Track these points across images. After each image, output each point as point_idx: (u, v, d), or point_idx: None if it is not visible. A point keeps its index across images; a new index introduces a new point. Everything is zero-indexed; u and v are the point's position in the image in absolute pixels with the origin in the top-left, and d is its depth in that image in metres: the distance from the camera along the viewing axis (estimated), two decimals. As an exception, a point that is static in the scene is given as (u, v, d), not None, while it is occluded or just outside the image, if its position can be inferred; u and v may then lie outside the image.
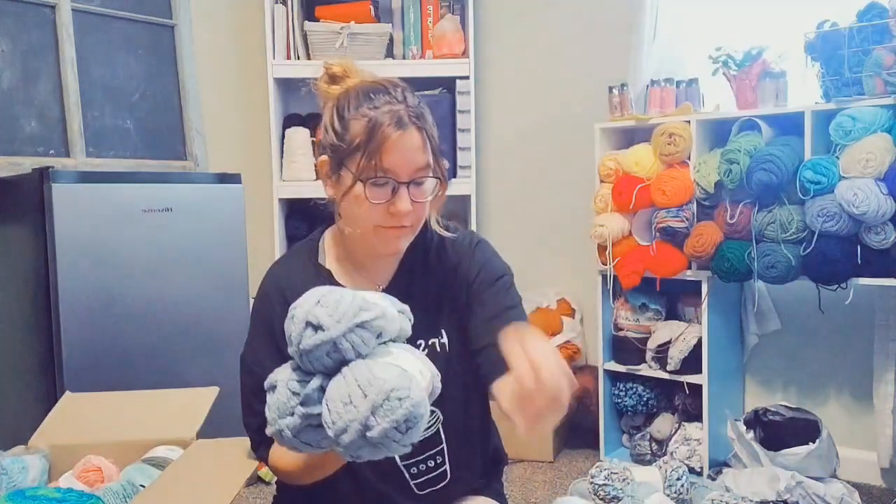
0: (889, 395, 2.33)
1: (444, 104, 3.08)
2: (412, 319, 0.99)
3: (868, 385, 2.41)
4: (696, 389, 2.56)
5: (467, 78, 3.10)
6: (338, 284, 1.15)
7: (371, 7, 3.13)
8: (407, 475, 1.18)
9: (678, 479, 1.85)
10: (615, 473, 1.79)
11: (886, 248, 2.11)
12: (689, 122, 2.47)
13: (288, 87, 3.25)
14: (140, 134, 3.00)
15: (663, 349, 2.59)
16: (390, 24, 3.15)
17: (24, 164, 2.52)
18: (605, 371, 2.76)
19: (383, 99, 1.06)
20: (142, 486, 1.36)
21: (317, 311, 0.90)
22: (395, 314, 0.96)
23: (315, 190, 3.08)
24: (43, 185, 2.18)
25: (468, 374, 1.17)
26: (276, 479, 1.24)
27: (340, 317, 0.89)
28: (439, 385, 0.96)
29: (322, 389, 0.90)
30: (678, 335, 2.57)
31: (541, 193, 3.21)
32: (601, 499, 1.75)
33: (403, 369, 0.89)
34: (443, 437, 1.19)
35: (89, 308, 2.22)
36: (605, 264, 2.65)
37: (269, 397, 0.94)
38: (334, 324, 0.89)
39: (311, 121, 3.20)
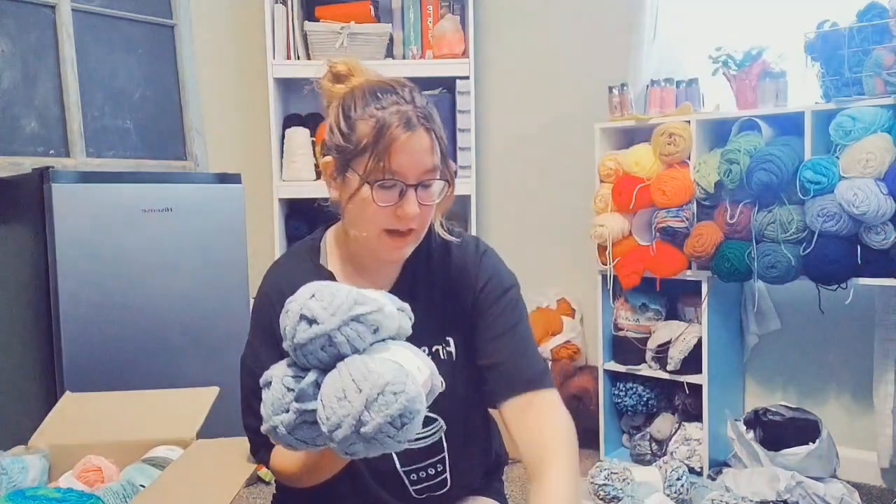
0: (889, 395, 2.33)
1: (444, 104, 3.08)
2: (412, 318, 0.98)
3: (868, 385, 2.41)
4: (696, 389, 2.56)
5: (467, 78, 3.10)
6: None
7: (371, 7, 3.13)
8: (406, 481, 1.18)
9: (678, 479, 1.85)
10: (615, 473, 1.79)
11: (886, 248, 2.11)
12: (689, 122, 2.46)
13: (288, 87, 3.25)
14: (140, 134, 3.00)
15: (663, 349, 2.59)
16: (390, 24, 3.15)
17: (24, 164, 2.52)
18: (605, 371, 2.76)
19: (391, 99, 1.04)
20: (142, 486, 1.36)
21: (311, 304, 0.88)
22: (394, 311, 0.95)
23: (315, 190, 3.08)
24: (43, 185, 2.18)
25: (472, 384, 1.16)
26: (275, 479, 1.23)
27: (335, 310, 0.88)
28: (439, 383, 0.95)
29: (317, 385, 0.89)
30: (678, 335, 2.57)
31: (541, 193, 3.21)
32: (601, 499, 1.75)
33: (400, 364, 0.88)
34: (445, 445, 1.18)
35: (89, 308, 2.22)
36: (605, 264, 2.65)
37: (264, 394, 0.93)
38: (329, 317, 0.87)
39: (311, 121, 3.20)
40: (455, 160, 3.13)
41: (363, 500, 1.17)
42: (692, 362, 2.53)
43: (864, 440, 2.46)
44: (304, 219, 3.19)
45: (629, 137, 2.73)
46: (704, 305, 2.49)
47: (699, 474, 2.53)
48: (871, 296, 2.34)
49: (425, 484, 1.18)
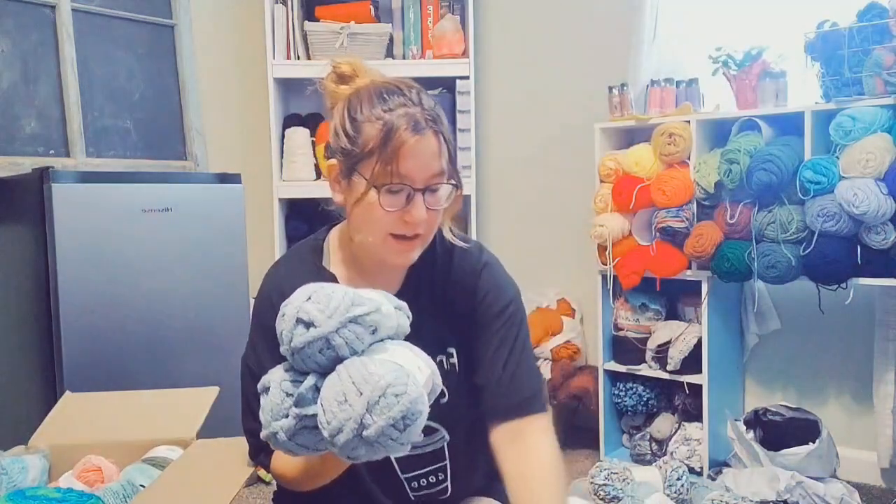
0: (889, 395, 2.33)
1: (444, 104, 3.07)
2: (410, 316, 0.97)
3: (868, 385, 2.41)
4: (696, 389, 2.56)
5: (467, 78, 3.10)
6: None
7: (371, 7, 3.13)
8: (408, 488, 1.17)
9: (678, 479, 1.85)
10: (615, 473, 1.79)
11: (886, 248, 2.11)
12: (689, 122, 2.46)
13: (288, 87, 3.25)
14: (140, 134, 3.00)
15: (663, 349, 2.59)
16: (390, 24, 3.15)
17: (24, 164, 2.52)
18: (605, 371, 2.76)
19: (398, 100, 1.01)
20: (142, 486, 1.36)
21: (307, 306, 0.87)
22: (392, 310, 0.93)
23: (315, 190, 3.08)
24: (43, 185, 2.18)
25: (475, 395, 1.15)
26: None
27: (332, 312, 0.86)
28: (440, 382, 0.94)
29: (316, 389, 0.87)
30: (678, 335, 2.57)
31: (541, 193, 3.21)
32: (601, 499, 1.75)
33: (400, 365, 0.87)
34: (447, 455, 1.17)
35: (89, 308, 2.22)
36: (605, 264, 2.65)
37: (263, 399, 0.91)
38: (326, 319, 0.86)
39: (311, 121, 3.20)
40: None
41: (364, 503, 1.16)
42: (692, 362, 2.53)
43: (864, 440, 2.46)
44: (304, 219, 3.18)
45: (629, 137, 2.73)
46: (704, 305, 2.49)
47: (699, 474, 2.53)
48: (871, 296, 2.34)
49: (426, 491, 1.18)
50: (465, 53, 3.11)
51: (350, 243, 1.12)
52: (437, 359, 1.11)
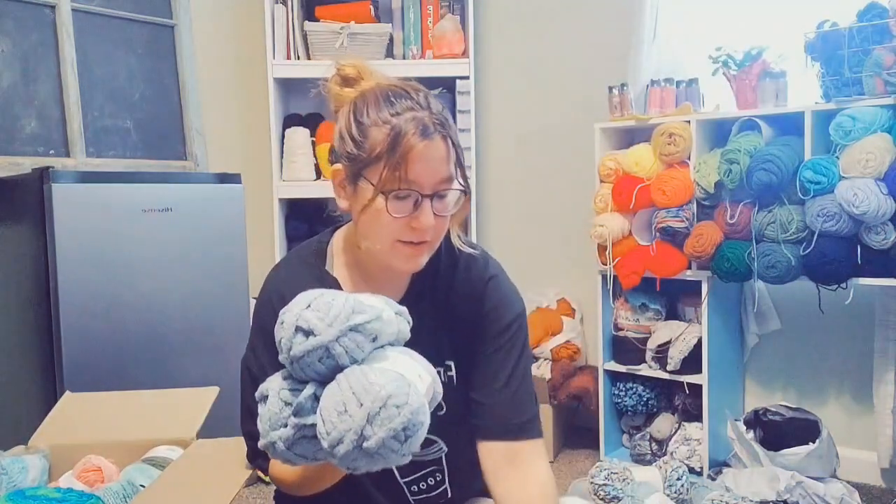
0: (889, 395, 2.33)
1: (443, 104, 3.07)
2: (411, 322, 0.96)
3: (868, 385, 2.41)
4: (696, 389, 2.56)
5: (467, 78, 3.10)
6: None
7: (371, 7, 3.13)
8: (407, 492, 1.17)
9: (678, 479, 1.85)
10: (615, 473, 1.79)
11: (886, 248, 2.11)
12: (689, 122, 2.46)
13: (288, 87, 3.25)
14: (140, 134, 3.00)
15: (663, 349, 2.59)
16: (390, 24, 3.15)
17: (24, 164, 2.52)
18: (605, 371, 2.76)
19: (405, 104, 0.99)
20: (142, 486, 1.36)
21: (307, 314, 0.85)
22: (392, 316, 0.92)
23: (315, 190, 3.08)
24: (43, 185, 2.18)
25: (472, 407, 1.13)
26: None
27: (332, 320, 0.84)
28: (440, 389, 0.93)
29: (316, 398, 0.86)
30: (678, 335, 2.57)
31: (541, 193, 3.21)
32: (601, 499, 1.75)
33: (401, 374, 0.85)
34: (445, 464, 1.17)
35: (89, 308, 2.22)
36: (605, 264, 2.65)
37: (261, 408, 0.89)
38: (326, 328, 0.84)
39: (311, 121, 3.20)
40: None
41: None
42: (692, 362, 2.53)
43: (864, 440, 2.46)
44: (304, 219, 3.19)
45: (629, 137, 2.73)
46: (704, 305, 2.49)
47: (699, 474, 2.53)
48: (871, 296, 2.34)
49: (425, 495, 1.18)
50: (465, 53, 3.11)
51: (354, 247, 1.11)
52: (436, 370, 1.09)
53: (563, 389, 2.79)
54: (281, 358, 0.88)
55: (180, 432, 1.55)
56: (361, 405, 0.81)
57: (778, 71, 2.38)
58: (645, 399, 2.68)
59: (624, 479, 1.78)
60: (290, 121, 3.21)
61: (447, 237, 1.11)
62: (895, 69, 2.09)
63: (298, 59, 3.09)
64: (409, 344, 0.95)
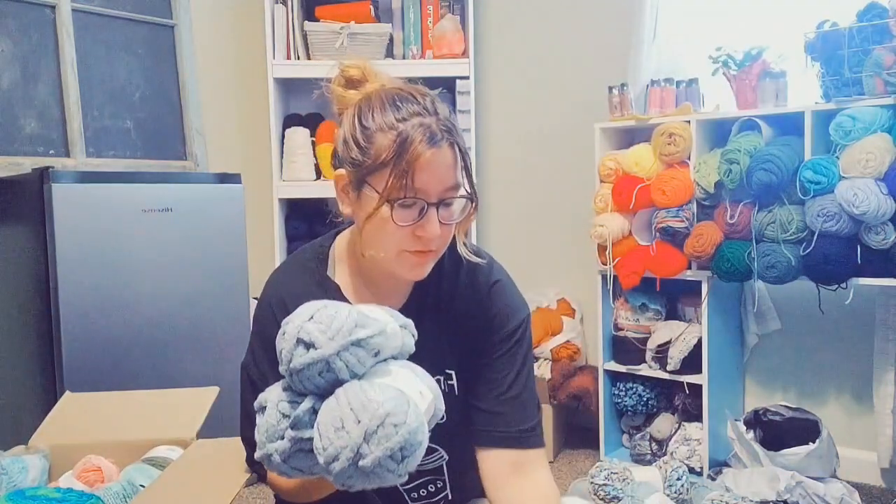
0: (889, 395, 2.33)
1: (450, 108, 3.08)
2: (416, 335, 0.94)
3: (868, 385, 2.41)
4: (696, 389, 2.56)
5: (467, 78, 3.10)
6: (345, 300, 1.08)
7: (371, 7, 3.13)
8: (407, 498, 1.17)
9: (678, 479, 1.85)
10: (615, 473, 1.79)
11: (886, 248, 2.11)
12: (689, 122, 2.46)
13: (288, 87, 3.25)
14: (140, 134, 3.00)
15: (663, 349, 2.59)
16: (390, 24, 3.15)
17: (24, 164, 2.52)
18: (605, 371, 2.76)
19: (412, 109, 0.97)
20: (142, 486, 1.36)
21: (309, 326, 0.84)
22: (397, 329, 0.90)
23: (315, 190, 3.08)
24: (43, 185, 2.18)
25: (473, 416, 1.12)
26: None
27: (334, 334, 0.83)
28: (442, 406, 0.91)
29: (314, 412, 0.84)
30: (678, 335, 2.57)
31: (541, 193, 3.21)
32: (601, 499, 1.75)
33: (401, 391, 0.84)
34: (446, 472, 1.16)
35: (89, 308, 2.22)
36: (605, 264, 2.65)
37: (259, 419, 0.89)
38: (327, 341, 0.83)
39: (311, 121, 3.20)
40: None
41: None
42: (692, 362, 2.53)
43: (864, 440, 2.46)
44: (304, 219, 3.19)
45: (629, 137, 2.73)
46: (704, 305, 2.49)
47: (699, 474, 2.53)
48: (871, 296, 2.34)
49: (425, 502, 1.17)
50: (465, 53, 3.11)
51: (356, 253, 1.09)
52: (436, 378, 1.07)
53: (563, 389, 2.79)
54: (281, 369, 0.87)
55: (180, 432, 1.55)
56: (359, 422, 0.80)
57: (778, 71, 2.38)
58: (645, 399, 2.68)
59: (624, 479, 1.78)
60: (290, 121, 3.21)
61: (452, 243, 1.08)
62: (895, 69, 2.09)
63: (298, 59, 3.09)
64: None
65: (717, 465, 2.55)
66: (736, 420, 2.43)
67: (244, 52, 3.33)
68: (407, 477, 0.83)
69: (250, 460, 1.15)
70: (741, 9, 2.68)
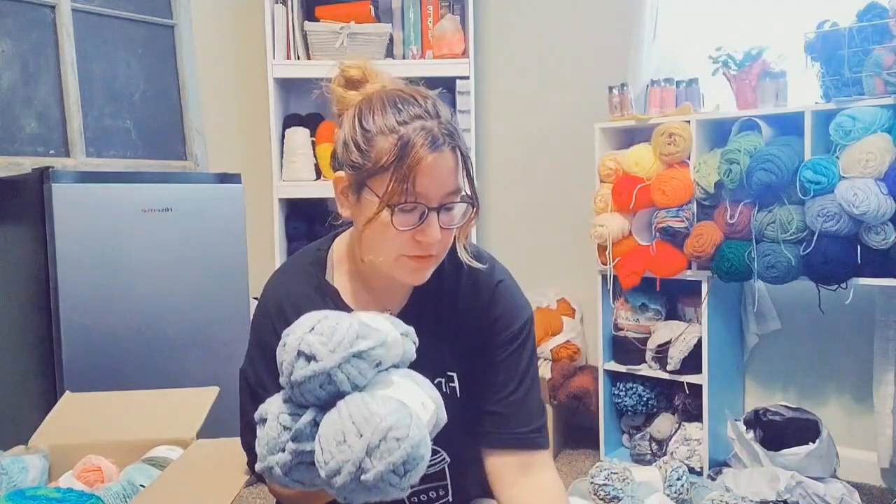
0: (889, 395, 2.33)
1: (451, 110, 3.08)
2: (417, 342, 0.93)
3: (868, 385, 2.41)
4: (696, 389, 2.56)
5: (467, 78, 3.10)
6: (344, 304, 1.08)
7: (371, 7, 3.13)
8: (407, 502, 1.16)
9: (678, 479, 1.85)
10: (615, 473, 1.79)
11: (886, 248, 2.11)
12: (689, 122, 2.47)
13: (288, 87, 3.25)
14: (140, 134, 3.00)
15: (663, 349, 2.59)
16: (390, 24, 3.15)
17: (24, 164, 2.52)
18: (605, 371, 2.76)
19: (413, 111, 0.95)
20: (142, 486, 1.36)
21: (310, 338, 0.83)
22: (398, 337, 0.89)
23: (315, 190, 3.08)
24: (43, 185, 2.18)
25: (476, 419, 1.11)
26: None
27: (335, 346, 0.82)
28: (444, 416, 0.91)
29: (315, 424, 0.84)
30: (678, 335, 2.57)
31: (541, 193, 3.21)
32: (601, 499, 1.75)
33: (403, 403, 0.83)
34: (448, 475, 1.15)
35: (89, 308, 2.22)
36: (605, 264, 2.65)
37: (259, 431, 0.88)
38: (328, 354, 0.82)
39: (311, 121, 3.20)
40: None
41: None
42: (692, 362, 2.53)
43: (864, 440, 2.46)
44: (304, 219, 3.18)
45: (629, 137, 2.73)
46: (704, 305, 2.49)
47: (699, 474, 2.53)
48: (871, 296, 2.34)
49: None
50: (465, 53, 3.11)
51: (355, 256, 1.08)
52: (437, 381, 1.08)
53: (563, 389, 2.79)
54: (281, 381, 0.86)
55: (180, 432, 1.55)
56: (361, 436, 0.79)
57: (778, 71, 2.38)
58: (645, 399, 2.68)
59: (624, 479, 1.78)
60: (290, 121, 3.21)
61: (452, 245, 1.07)
62: (895, 69, 2.09)
63: (298, 59, 3.09)
64: None
65: (717, 465, 2.55)
66: (736, 420, 2.43)
67: (244, 52, 3.33)
68: (410, 490, 0.82)
69: (252, 465, 1.14)
70: (741, 9, 2.68)
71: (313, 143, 3.15)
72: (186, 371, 2.37)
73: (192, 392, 1.72)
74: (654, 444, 2.67)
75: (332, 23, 3.06)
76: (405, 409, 0.82)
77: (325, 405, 0.84)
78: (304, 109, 3.26)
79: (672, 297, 2.73)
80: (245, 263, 2.57)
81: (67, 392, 1.75)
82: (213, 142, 3.23)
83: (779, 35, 2.46)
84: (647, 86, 2.68)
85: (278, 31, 3.07)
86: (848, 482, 2.29)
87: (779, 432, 2.34)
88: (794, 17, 2.48)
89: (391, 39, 3.15)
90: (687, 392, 2.60)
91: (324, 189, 3.03)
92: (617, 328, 2.73)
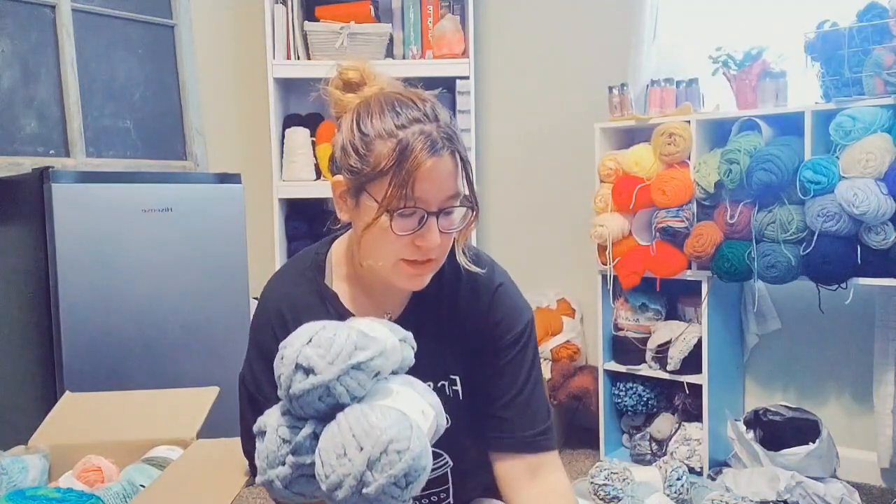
0: (889, 395, 2.33)
1: (443, 104, 3.07)
2: (415, 347, 0.93)
3: (868, 385, 2.41)
4: (696, 389, 2.56)
5: (467, 78, 3.10)
6: (344, 309, 1.07)
7: (371, 7, 3.13)
8: None
9: (678, 479, 1.85)
10: (615, 473, 1.79)
11: (886, 248, 2.11)
12: (689, 122, 2.46)
13: (288, 87, 3.25)
14: (140, 134, 3.00)
15: (663, 349, 2.59)
16: (390, 24, 3.15)
17: (24, 164, 2.52)
18: (605, 371, 2.76)
19: (412, 115, 0.94)
20: (142, 486, 1.36)
21: (308, 351, 0.82)
22: (396, 344, 0.89)
23: (315, 190, 3.08)
24: (43, 185, 2.18)
25: (478, 422, 1.11)
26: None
27: (334, 358, 0.82)
28: (444, 422, 0.90)
29: (315, 436, 0.83)
30: (678, 335, 2.57)
31: (541, 193, 3.21)
32: (601, 499, 1.75)
33: (403, 414, 0.82)
34: (450, 479, 1.15)
35: (89, 308, 2.22)
36: (605, 264, 2.65)
37: (259, 444, 0.87)
38: (327, 366, 0.81)
39: (311, 121, 3.21)
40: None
41: None
42: (692, 362, 2.53)
43: (864, 440, 2.46)
44: (304, 219, 3.18)
45: (629, 137, 2.73)
46: (704, 305, 2.49)
47: (699, 474, 2.53)
48: (871, 296, 2.34)
49: None
50: (465, 53, 3.11)
51: (354, 260, 1.07)
52: (439, 384, 1.08)
53: (563, 389, 2.79)
54: (279, 393, 0.85)
55: (180, 432, 1.55)
56: (361, 449, 0.79)
57: (778, 71, 2.38)
58: (645, 399, 2.68)
59: (624, 479, 1.78)
60: (290, 121, 3.21)
61: (451, 249, 1.06)
62: (895, 69, 2.09)
63: (298, 59, 3.09)
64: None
65: (717, 465, 2.55)
66: (736, 420, 2.43)
67: (244, 52, 3.33)
68: (412, 502, 0.83)
69: (253, 472, 1.14)
70: (741, 9, 2.68)
71: (313, 143, 3.15)
72: (186, 371, 2.37)
73: (192, 392, 1.72)
74: (654, 444, 2.67)
75: (332, 23, 3.06)
76: (405, 421, 0.82)
77: (325, 417, 0.84)
78: (304, 109, 3.27)
79: (672, 297, 2.73)
80: (245, 263, 2.58)
81: (67, 392, 1.75)
82: (213, 142, 3.23)
83: (779, 35, 2.46)
84: (647, 86, 2.68)
85: (278, 31, 3.07)
86: (848, 482, 2.29)
87: (779, 432, 2.34)
88: (794, 17, 2.48)
89: (391, 39, 3.15)
90: (687, 392, 2.60)
91: (324, 189, 3.02)
92: (617, 328, 2.73)
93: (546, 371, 2.85)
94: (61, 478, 1.44)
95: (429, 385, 0.99)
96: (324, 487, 0.80)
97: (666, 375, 2.60)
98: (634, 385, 2.70)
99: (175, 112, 3.13)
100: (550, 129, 3.16)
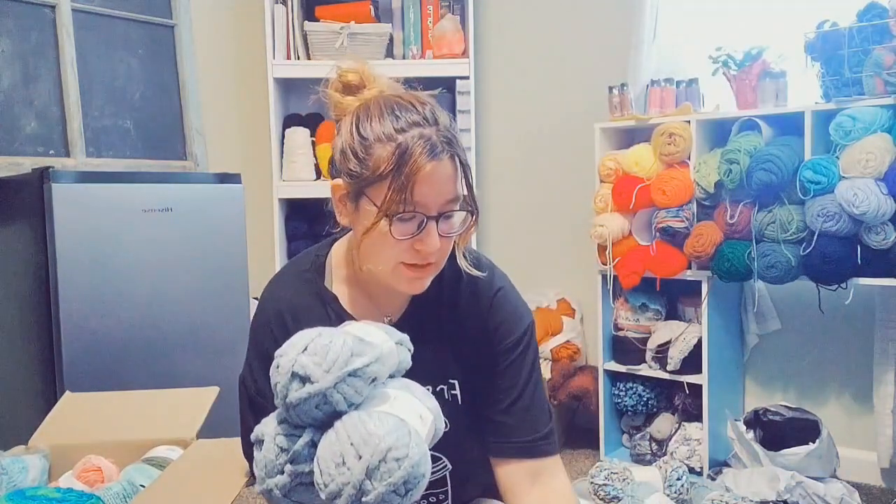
0: (889, 395, 2.33)
1: (444, 104, 3.08)
2: (412, 349, 0.93)
3: (868, 385, 2.41)
4: (696, 389, 2.56)
5: (467, 78, 3.10)
6: (344, 311, 1.07)
7: (371, 7, 3.13)
8: None
9: (678, 479, 1.85)
10: (615, 473, 1.79)
11: (886, 248, 2.11)
12: (689, 122, 2.46)
13: (288, 87, 3.25)
14: (140, 134, 3.00)
15: (663, 349, 2.59)
16: (390, 24, 3.15)
17: (24, 164, 2.52)
18: (605, 371, 2.76)
19: (411, 118, 0.93)
20: (142, 486, 1.36)
21: (303, 359, 0.82)
22: (393, 348, 0.88)
23: (315, 190, 3.08)
24: (43, 185, 2.18)
25: (477, 425, 1.10)
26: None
27: (330, 366, 0.81)
28: (442, 425, 0.90)
29: (313, 444, 0.83)
30: (678, 335, 2.57)
31: (541, 193, 3.21)
32: (601, 499, 1.75)
33: (401, 420, 0.82)
34: (449, 482, 1.14)
35: (89, 308, 2.22)
36: (605, 264, 2.65)
37: (256, 453, 0.87)
38: (323, 374, 0.81)
39: (311, 121, 3.21)
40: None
41: None
42: (692, 362, 2.53)
43: (864, 440, 2.46)
44: (304, 219, 3.18)
45: (629, 137, 2.73)
46: (704, 305, 2.49)
47: (699, 474, 2.53)
48: (871, 296, 2.34)
49: None
50: (465, 53, 3.11)
51: (354, 262, 1.06)
52: (438, 388, 1.07)
53: (563, 389, 2.79)
54: (276, 402, 0.85)
55: (180, 432, 1.55)
56: (360, 458, 0.78)
57: (778, 71, 2.38)
58: (645, 399, 2.68)
59: (624, 479, 1.78)
60: (290, 121, 3.21)
61: (451, 252, 1.06)
62: (895, 69, 2.09)
63: (298, 59, 3.09)
64: (412, 362, 0.93)
65: (717, 465, 2.55)
66: (736, 420, 2.43)
67: (244, 52, 3.33)
68: None
69: (253, 475, 1.15)
70: (741, 9, 2.68)
71: (313, 143, 3.15)
72: (186, 371, 2.37)
73: (192, 392, 1.72)
74: (654, 444, 2.67)
75: (332, 23, 3.06)
76: (404, 427, 0.81)
77: (322, 425, 0.84)
78: (304, 109, 3.27)
79: (672, 297, 2.73)
80: (245, 263, 2.58)
81: (67, 392, 1.75)
82: (213, 142, 3.23)
83: (779, 35, 2.46)
84: (647, 86, 2.68)
85: (278, 31, 3.07)
86: (848, 482, 2.29)
87: (779, 432, 2.34)
88: (794, 17, 2.48)
89: (391, 39, 3.15)
90: (687, 392, 2.60)
91: (324, 189, 3.00)
92: (617, 328, 2.73)
93: (546, 371, 2.85)
94: (61, 478, 1.44)
95: (428, 389, 0.98)
96: (323, 496, 0.80)
97: (666, 375, 2.60)
98: (634, 385, 2.70)
99: (175, 112, 3.13)
100: (550, 129, 3.16)
